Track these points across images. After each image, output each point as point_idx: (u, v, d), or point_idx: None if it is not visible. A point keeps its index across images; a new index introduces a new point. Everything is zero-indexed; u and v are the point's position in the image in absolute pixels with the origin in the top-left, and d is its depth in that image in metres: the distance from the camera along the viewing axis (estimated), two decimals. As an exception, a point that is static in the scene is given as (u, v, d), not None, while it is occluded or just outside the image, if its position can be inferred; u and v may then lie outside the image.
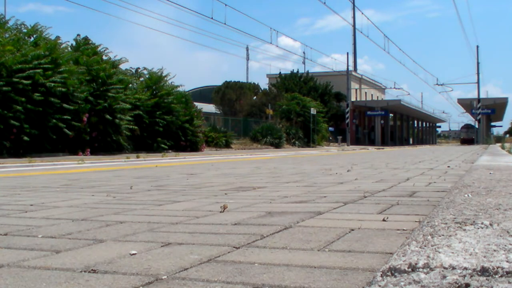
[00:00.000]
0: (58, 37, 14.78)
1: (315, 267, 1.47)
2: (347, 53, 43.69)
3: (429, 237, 1.40)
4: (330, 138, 41.00)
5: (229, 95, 42.08)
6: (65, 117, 13.30)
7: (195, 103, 22.24)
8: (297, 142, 32.15)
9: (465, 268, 1.07)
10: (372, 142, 54.67)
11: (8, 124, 11.90)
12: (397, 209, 2.73)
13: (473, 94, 61.65)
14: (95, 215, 2.62)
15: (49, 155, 12.63)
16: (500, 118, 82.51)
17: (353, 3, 50.96)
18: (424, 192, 3.62)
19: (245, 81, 50.35)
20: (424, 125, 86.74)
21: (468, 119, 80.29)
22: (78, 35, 16.26)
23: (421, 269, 1.09)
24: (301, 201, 3.12)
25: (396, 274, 1.10)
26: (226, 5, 25.62)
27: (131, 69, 19.24)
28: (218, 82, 49.95)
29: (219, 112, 40.39)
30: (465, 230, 1.47)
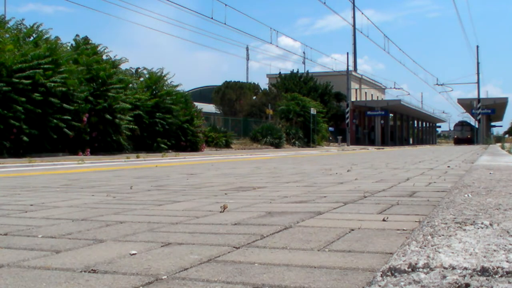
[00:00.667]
0: (57, 38, 14.79)
1: (315, 267, 1.47)
2: (347, 53, 43.72)
3: (429, 237, 1.40)
4: (330, 138, 40.99)
5: (229, 95, 42.09)
6: (65, 117, 13.30)
7: (195, 103, 22.25)
8: (297, 142, 32.16)
9: (465, 268, 1.07)
10: (372, 142, 54.66)
11: (8, 124, 11.90)
12: (397, 209, 2.73)
13: (473, 94, 61.19)
14: (95, 215, 2.62)
15: (49, 155, 12.63)
16: (500, 118, 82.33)
17: (353, 3, 50.98)
18: (424, 192, 3.62)
19: (245, 81, 50.38)
20: (424, 125, 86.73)
21: (469, 119, 79.16)
22: (77, 35, 16.27)
23: (421, 269, 1.09)
24: (301, 201, 3.12)
25: (396, 274, 1.10)
26: (226, 5, 25.63)
27: (131, 69, 19.27)
28: (218, 82, 49.98)
29: (219, 112, 40.40)
30: (465, 230, 1.47)
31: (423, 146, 52.09)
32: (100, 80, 15.11)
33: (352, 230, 2.08)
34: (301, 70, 49.94)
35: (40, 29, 14.66)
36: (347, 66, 43.60)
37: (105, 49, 16.45)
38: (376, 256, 1.60)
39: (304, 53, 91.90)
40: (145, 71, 19.34)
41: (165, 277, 1.39)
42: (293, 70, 48.98)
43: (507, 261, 1.10)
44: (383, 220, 2.32)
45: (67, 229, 2.21)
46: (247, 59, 66.13)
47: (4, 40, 13.13)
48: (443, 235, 1.41)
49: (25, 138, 12.14)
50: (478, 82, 55.79)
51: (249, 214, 2.56)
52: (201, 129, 21.04)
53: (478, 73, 56.40)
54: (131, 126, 16.18)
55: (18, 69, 12.46)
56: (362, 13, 66.44)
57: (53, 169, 7.73)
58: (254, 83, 47.45)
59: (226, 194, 3.65)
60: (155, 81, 18.83)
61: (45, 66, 13.02)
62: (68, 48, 15.61)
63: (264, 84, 54.86)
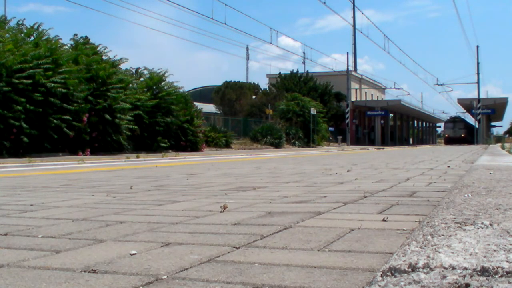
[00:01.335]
0: (58, 38, 14.80)
1: (315, 267, 1.47)
2: (347, 53, 43.73)
3: (429, 237, 1.40)
4: (330, 138, 40.99)
5: (229, 95, 42.11)
6: (65, 117, 13.30)
7: (195, 103, 22.26)
8: (297, 142, 32.16)
9: (465, 268, 1.07)
10: (372, 142, 54.67)
11: (8, 124, 11.90)
12: (397, 209, 2.73)
13: (473, 94, 60.28)
14: (95, 215, 2.62)
15: (49, 155, 12.63)
16: (500, 118, 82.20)
17: (353, 3, 50.97)
18: (424, 192, 3.62)
19: (245, 81, 50.41)
20: (424, 125, 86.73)
21: (469, 119, 78.48)
22: (75, 34, 16.26)
23: (421, 269, 1.09)
24: (301, 201, 3.12)
25: (396, 274, 1.10)
26: (226, 5, 25.63)
27: (131, 69, 19.27)
28: (218, 82, 49.99)
29: (219, 112, 40.41)
30: (465, 230, 1.47)
31: (423, 146, 52.06)
32: (100, 80, 15.11)
33: (352, 230, 2.08)
34: (301, 70, 49.98)
35: (40, 29, 14.68)
36: (347, 66, 43.62)
37: (104, 49, 16.47)
38: (376, 256, 1.60)
39: (304, 53, 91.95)
40: (145, 71, 19.36)
41: (165, 277, 1.39)
42: (293, 70, 49.01)
43: (507, 261, 1.10)
44: (383, 220, 2.32)
45: (67, 229, 2.21)
46: (247, 59, 66.14)
47: (5, 40, 13.14)
48: (443, 235, 1.41)
49: (25, 139, 12.14)
50: (478, 82, 55.79)
51: (249, 214, 2.56)
52: (201, 129, 21.05)
53: (478, 73, 56.38)
54: (131, 126, 16.19)
55: (18, 69, 12.46)
56: (362, 13, 66.52)
57: (53, 169, 7.73)
58: (254, 83, 47.48)
59: (226, 194, 3.65)
60: (156, 81, 18.83)
61: (45, 66, 13.02)
62: (68, 48, 15.62)
63: (264, 84, 54.92)
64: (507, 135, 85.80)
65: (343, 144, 38.28)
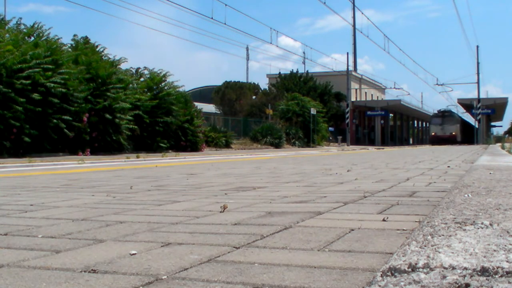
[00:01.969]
0: (56, 36, 14.80)
1: (315, 267, 1.47)
2: (347, 53, 43.74)
3: (429, 237, 1.40)
4: (330, 138, 41.00)
5: (229, 95, 42.13)
6: (65, 117, 13.30)
7: (195, 103, 22.28)
8: (297, 142, 32.16)
9: (465, 268, 1.07)
10: (372, 142, 54.68)
11: (8, 124, 11.90)
12: (397, 209, 2.73)
13: (473, 94, 59.30)
14: (95, 215, 2.62)
15: (49, 155, 12.63)
16: (500, 118, 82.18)
17: (353, 3, 50.99)
18: (424, 192, 3.62)
19: (245, 81, 50.43)
20: (424, 125, 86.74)
21: (469, 119, 78.16)
22: (75, 35, 16.27)
23: (421, 269, 1.09)
24: (301, 201, 3.12)
25: (396, 274, 1.10)
26: (226, 5, 25.64)
27: (131, 69, 19.27)
28: (218, 82, 50.01)
29: (219, 112, 40.42)
30: (465, 230, 1.47)
31: (423, 146, 52.09)
32: (99, 80, 15.12)
33: (352, 230, 2.08)
34: (301, 70, 50.01)
35: (40, 29, 14.66)
36: (347, 66, 43.64)
37: (104, 49, 16.48)
38: (376, 256, 1.60)
39: (304, 53, 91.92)
40: (145, 71, 19.36)
41: (165, 277, 1.39)
42: (293, 70, 49.03)
43: (507, 261, 1.10)
44: (383, 220, 2.32)
45: (67, 229, 2.21)
46: (247, 59, 66.16)
47: (4, 40, 13.13)
48: (443, 235, 1.41)
49: (26, 139, 12.14)
50: (478, 82, 55.74)
51: (249, 214, 2.56)
52: (201, 129, 21.06)
53: (478, 73, 56.28)
54: (131, 126, 16.19)
55: (18, 69, 12.46)
56: (362, 13, 66.56)
57: (53, 169, 7.73)
58: (254, 83, 47.50)
59: (226, 194, 3.65)
60: (156, 82, 18.84)
61: (45, 66, 13.02)
62: (68, 48, 15.62)
63: (264, 84, 54.93)
64: (507, 135, 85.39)
65: (343, 144, 38.29)
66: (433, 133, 50.33)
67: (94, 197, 3.53)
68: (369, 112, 55.16)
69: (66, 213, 2.74)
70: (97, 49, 16.21)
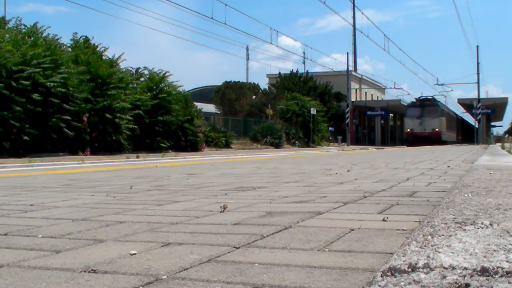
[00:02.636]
0: (56, 37, 14.79)
1: (315, 267, 1.47)
2: (347, 53, 43.77)
3: (429, 237, 1.40)
4: (330, 138, 41.00)
5: (229, 95, 42.14)
6: (65, 117, 13.30)
7: (195, 103, 22.27)
8: (297, 142, 32.16)
9: (465, 268, 1.07)
10: (372, 142, 54.69)
11: (8, 124, 11.90)
12: (397, 209, 2.73)
13: (473, 94, 59.32)
14: (95, 215, 2.62)
15: (49, 155, 12.63)
16: (500, 118, 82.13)
17: (353, 3, 51.01)
18: (424, 192, 3.62)
19: (245, 81, 50.44)
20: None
21: (469, 119, 77.99)
22: (75, 33, 16.26)
23: (421, 269, 1.09)
24: (301, 201, 3.12)
25: (396, 274, 1.10)
26: (226, 5, 25.67)
27: (131, 69, 19.28)
28: (218, 82, 50.01)
29: (219, 112, 40.44)
30: (465, 230, 1.47)
31: (423, 146, 52.05)
32: (99, 80, 15.11)
33: (352, 230, 2.08)
34: (301, 70, 50.05)
35: (40, 29, 14.67)
36: (347, 66, 43.66)
37: (105, 50, 16.47)
38: (376, 256, 1.60)
39: (304, 53, 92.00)
40: (146, 71, 19.36)
41: (165, 277, 1.39)
42: (293, 70, 49.05)
43: (507, 261, 1.10)
44: (383, 220, 2.32)
45: (67, 229, 2.21)
46: (247, 59, 66.19)
47: (4, 40, 13.13)
48: (443, 235, 1.41)
49: (25, 138, 12.14)
50: (478, 82, 55.69)
51: (249, 214, 2.56)
52: (201, 129, 21.06)
53: (478, 73, 56.19)
54: (131, 126, 16.19)
55: (17, 69, 12.46)
56: (362, 13, 66.70)
57: (53, 169, 7.73)
58: (254, 83, 47.52)
59: (226, 194, 3.65)
60: (156, 82, 18.84)
61: (45, 65, 13.02)
62: (68, 47, 15.61)
63: (264, 84, 54.91)
64: (507, 135, 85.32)
65: (343, 144, 38.29)
66: (408, 130, 37.46)
67: (94, 197, 3.53)
68: (369, 112, 55.16)
69: (66, 213, 2.74)
70: (98, 49, 16.20)
